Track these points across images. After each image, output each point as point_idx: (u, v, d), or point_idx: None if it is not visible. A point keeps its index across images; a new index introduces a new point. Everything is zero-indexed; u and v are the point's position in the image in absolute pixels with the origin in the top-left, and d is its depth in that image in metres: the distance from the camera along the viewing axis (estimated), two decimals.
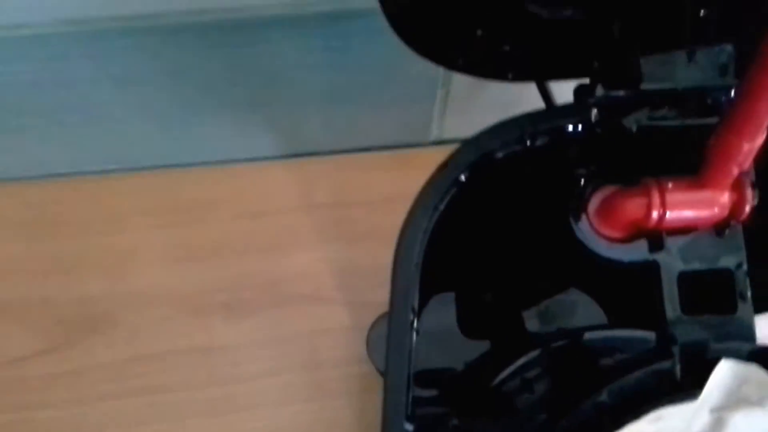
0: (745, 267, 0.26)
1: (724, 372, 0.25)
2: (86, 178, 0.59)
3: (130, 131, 0.54)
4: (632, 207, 0.25)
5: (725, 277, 0.26)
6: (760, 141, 0.23)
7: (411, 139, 0.53)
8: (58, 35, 0.42)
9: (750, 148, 0.23)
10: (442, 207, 0.26)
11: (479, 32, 0.23)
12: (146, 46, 0.43)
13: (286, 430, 0.51)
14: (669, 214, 0.25)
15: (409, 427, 0.25)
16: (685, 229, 0.26)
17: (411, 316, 0.24)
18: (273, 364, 0.54)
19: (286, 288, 0.56)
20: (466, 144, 0.25)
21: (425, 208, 0.25)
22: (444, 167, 0.26)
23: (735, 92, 0.23)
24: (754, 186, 0.25)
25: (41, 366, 0.52)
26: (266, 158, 0.59)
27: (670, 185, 0.25)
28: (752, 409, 0.26)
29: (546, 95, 0.28)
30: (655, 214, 0.25)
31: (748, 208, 0.25)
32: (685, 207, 0.25)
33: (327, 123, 0.55)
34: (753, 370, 0.25)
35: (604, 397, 0.24)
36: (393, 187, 0.54)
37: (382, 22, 0.25)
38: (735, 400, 0.26)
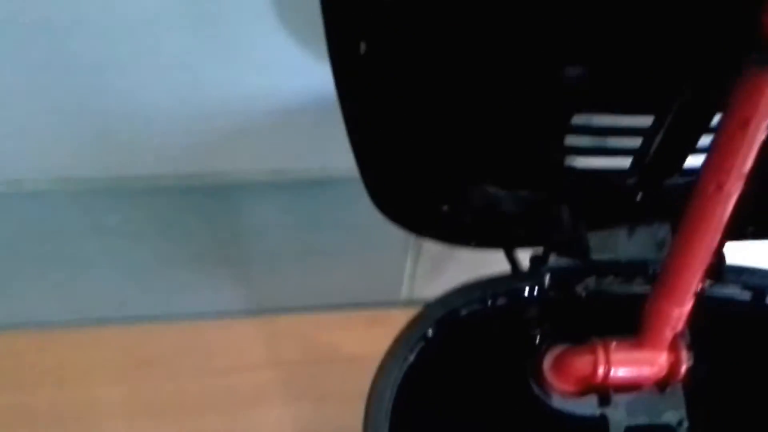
0: (686, 424, 0.29)
1: None
2: (55, 329, 0.60)
3: (108, 284, 0.56)
4: (581, 364, 0.28)
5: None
6: (688, 307, 0.27)
7: (382, 299, 0.56)
8: (52, 192, 0.45)
9: (680, 313, 0.27)
10: (411, 359, 0.28)
11: (445, 207, 0.27)
12: (133, 203, 0.47)
13: None
14: (613, 371, 0.28)
15: None
16: (630, 386, 0.29)
17: None
18: None
19: None
20: (434, 302, 0.29)
21: (396, 360, 0.28)
22: (413, 322, 0.28)
23: (663, 265, 0.27)
24: (689, 348, 0.28)
25: None
26: (237, 313, 0.61)
27: (614, 345, 0.28)
28: None
29: (512, 259, 0.31)
30: (600, 371, 0.28)
31: (684, 368, 0.28)
32: (628, 365, 0.28)
33: (299, 281, 0.58)
34: None
35: None
36: (362, 346, 0.56)
37: (356, 188, 0.29)
38: None
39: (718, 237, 0.25)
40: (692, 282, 0.26)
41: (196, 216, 0.49)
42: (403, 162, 0.26)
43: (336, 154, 0.41)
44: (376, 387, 0.27)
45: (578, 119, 0.26)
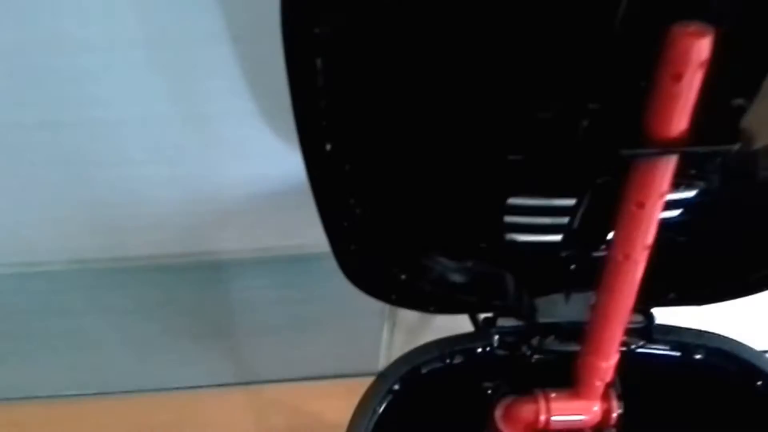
0: None
1: None
2: (59, 401, 0.64)
3: (110, 357, 0.60)
4: (525, 413, 0.33)
5: None
6: (613, 361, 0.31)
7: (361, 369, 0.60)
8: (63, 272, 0.49)
9: (606, 367, 0.31)
10: (379, 411, 0.33)
11: (403, 276, 0.32)
12: (134, 281, 0.51)
13: None
14: (553, 419, 0.32)
15: None
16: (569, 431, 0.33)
17: None
18: None
19: None
20: (398, 359, 0.33)
21: (365, 411, 0.32)
22: (380, 378, 0.33)
23: (589, 325, 0.31)
24: (620, 398, 0.33)
25: None
26: (229, 384, 0.65)
27: (553, 395, 0.32)
28: None
29: (474, 321, 0.36)
30: (542, 418, 0.32)
31: (615, 416, 0.33)
32: (565, 413, 0.32)
33: (285, 353, 0.62)
34: None
35: None
36: (343, 415, 0.61)
37: (334, 263, 0.33)
38: None
39: (631, 300, 0.29)
40: (614, 339, 0.30)
41: (190, 292, 0.53)
42: (365, 237, 0.31)
43: (315, 232, 0.46)
44: None
45: (514, 200, 0.31)
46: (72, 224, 0.43)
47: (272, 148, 0.38)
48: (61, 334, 0.56)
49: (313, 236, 0.46)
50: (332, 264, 0.39)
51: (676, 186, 0.27)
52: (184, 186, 0.42)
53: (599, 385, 0.32)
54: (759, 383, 0.35)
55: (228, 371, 0.64)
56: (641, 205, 0.27)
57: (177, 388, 0.64)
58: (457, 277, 0.33)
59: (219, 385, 0.65)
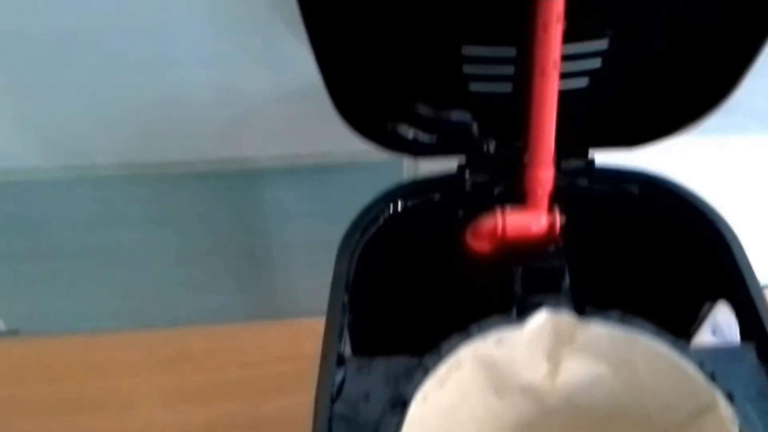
0: (566, 269, 0.40)
1: (555, 319, 0.37)
2: (103, 333, 0.72)
3: (148, 285, 0.67)
4: (487, 226, 0.40)
5: (554, 273, 0.40)
6: (550, 172, 0.39)
7: None
8: (110, 177, 0.56)
9: (546, 176, 0.39)
10: (367, 236, 0.40)
11: (389, 124, 0.39)
12: (174, 191, 0.58)
13: None
14: (509, 228, 0.40)
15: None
16: (523, 240, 0.40)
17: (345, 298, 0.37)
18: None
19: (274, 427, 0.66)
20: (386, 193, 0.41)
21: (351, 239, 0.40)
22: (368, 208, 0.41)
23: (528, 142, 0.39)
24: (561, 212, 0.40)
25: None
26: (262, 317, 0.72)
27: (508, 210, 0.40)
28: (583, 355, 0.38)
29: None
30: (500, 229, 0.40)
31: (558, 227, 0.40)
32: (518, 223, 0.40)
33: (314, 287, 0.69)
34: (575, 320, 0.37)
35: None
36: None
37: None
38: (567, 346, 0.38)
39: (554, 114, 0.37)
40: (547, 150, 0.38)
41: (225, 203, 0.61)
42: (357, 84, 0.39)
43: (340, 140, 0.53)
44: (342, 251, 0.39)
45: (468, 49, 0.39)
46: (118, 126, 0.52)
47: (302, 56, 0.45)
48: (100, 253, 0.63)
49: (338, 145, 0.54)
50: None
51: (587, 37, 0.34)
52: (219, 90, 0.50)
53: (542, 195, 0.39)
54: (686, 213, 0.42)
55: (262, 303, 0.70)
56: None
57: (211, 321, 0.72)
58: (433, 125, 0.41)
59: (253, 317, 0.72)
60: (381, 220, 0.42)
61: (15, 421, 0.66)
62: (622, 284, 0.43)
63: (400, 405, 0.36)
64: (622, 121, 0.42)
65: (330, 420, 0.35)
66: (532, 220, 0.40)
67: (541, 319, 0.38)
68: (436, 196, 0.43)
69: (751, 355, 0.38)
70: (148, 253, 0.64)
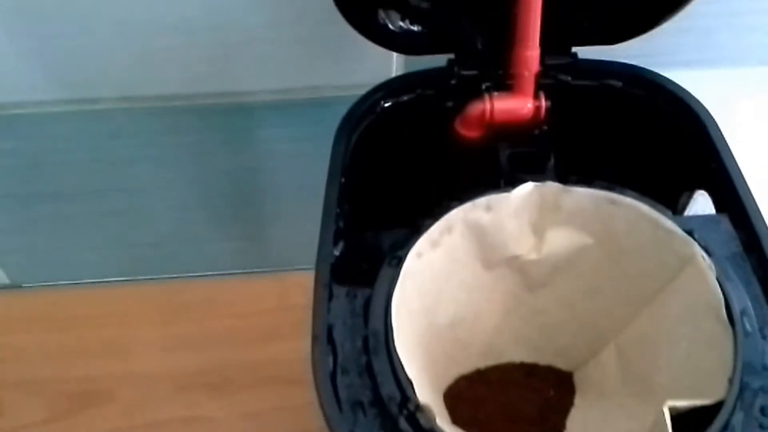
0: (551, 152, 0.42)
1: (542, 188, 0.39)
2: (104, 286, 0.73)
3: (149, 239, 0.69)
4: (475, 111, 0.42)
5: (539, 155, 0.42)
6: (536, 52, 0.41)
7: None
8: (110, 111, 0.58)
9: (531, 56, 0.41)
10: (354, 138, 0.42)
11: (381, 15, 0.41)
12: (171, 125, 0.60)
13: None
14: (496, 112, 0.42)
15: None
16: (510, 124, 0.42)
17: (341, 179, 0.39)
18: None
19: (263, 371, 0.68)
20: (381, 84, 0.43)
21: (351, 116, 0.42)
22: (365, 97, 0.43)
23: (514, 25, 0.41)
24: (547, 98, 0.42)
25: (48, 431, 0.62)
26: (254, 272, 0.74)
27: (495, 94, 0.42)
28: (568, 226, 0.40)
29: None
30: (488, 112, 0.42)
31: (543, 111, 0.42)
32: (505, 107, 0.42)
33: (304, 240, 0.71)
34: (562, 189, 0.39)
35: None
36: None
37: None
38: (552, 215, 0.40)
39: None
40: (533, 32, 0.40)
41: (220, 139, 0.62)
42: None
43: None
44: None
45: None
46: (118, 57, 0.53)
47: None
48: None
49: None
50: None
51: None
52: (214, 16, 0.52)
53: (528, 77, 0.42)
54: (668, 104, 0.44)
55: (254, 255, 0.72)
56: None
57: (205, 271, 0.74)
58: (423, 20, 0.43)
59: (245, 268, 0.74)
60: (376, 110, 0.44)
61: (16, 367, 0.67)
62: (605, 174, 0.45)
63: (396, 259, 0.37)
64: (603, 17, 0.44)
65: (330, 291, 0.36)
66: (518, 103, 0.42)
67: (528, 188, 0.40)
68: (428, 91, 0.45)
69: (725, 222, 0.40)
70: (145, 199, 0.66)
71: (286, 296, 0.72)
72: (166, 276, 0.74)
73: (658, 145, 0.46)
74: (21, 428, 0.64)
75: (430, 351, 0.40)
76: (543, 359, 0.46)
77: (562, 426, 0.43)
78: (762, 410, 0.35)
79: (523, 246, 0.41)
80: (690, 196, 0.45)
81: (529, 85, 0.42)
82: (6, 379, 0.67)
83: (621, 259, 0.40)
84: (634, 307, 0.41)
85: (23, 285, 0.73)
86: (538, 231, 0.41)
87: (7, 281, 0.72)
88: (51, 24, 0.51)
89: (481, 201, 0.39)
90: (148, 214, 0.68)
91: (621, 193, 0.40)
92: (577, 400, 0.44)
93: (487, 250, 0.41)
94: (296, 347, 0.70)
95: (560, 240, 0.41)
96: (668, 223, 0.38)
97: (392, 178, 0.46)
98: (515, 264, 0.42)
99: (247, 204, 0.69)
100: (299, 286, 0.69)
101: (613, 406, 0.41)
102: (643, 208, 0.39)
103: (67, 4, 0.50)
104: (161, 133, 0.60)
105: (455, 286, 0.41)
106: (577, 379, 0.45)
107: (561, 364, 0.46)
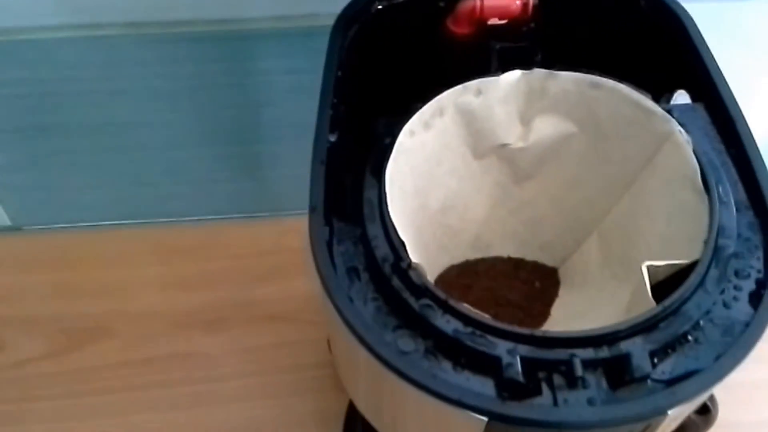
0: (538, 47, 0.44)
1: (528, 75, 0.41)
2: (103, 229, 0.75)
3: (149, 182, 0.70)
4: (467, 6, 0.44)
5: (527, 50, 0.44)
6: None
7: None
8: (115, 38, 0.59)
9: None
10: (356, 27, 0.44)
11: None
12: (171, 54, 0.61)
13: (257, 421, 0.61)
14: (486, 8, 0.44)
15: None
16: (499, 18, 0.44)
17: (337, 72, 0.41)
18: (245, 368, 0.65)
19: (259, 310, 0.69)
20: None
21: (345, 19, 0.44)
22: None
23: None
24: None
25: (44, 366, 0.64)
26: (252, 216, 0.76)
27: None
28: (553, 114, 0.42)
29: None
30: (478, 9, 0.44)
31: (531, 7, 0.44)
32: (494, 3, 0.44)
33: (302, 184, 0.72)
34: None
35: None
36: None
37: None
38: (538, 102, 0.42)
39: None
40: None
41: (218, 69, 0.64)
42: None
43: None
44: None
45: None
46: None
47: None
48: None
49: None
50: None
51: None
52: None
53: None
54: (651, 9, 0.46)
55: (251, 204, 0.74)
56: None
57: (201, 220, 0.75)
58: None
59: (242, 211, 0.75)
60: (370, 11, 0.46)
61: (16, 305, 0.68)
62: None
63: (390, 137, 0.39)
64: None
65: (326, 172, 0.38)
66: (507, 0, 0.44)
67: (516, 74, 0.42)
68: None
69: (701, 109, 0.42)
70: (144, 135, 0.68)
71: (284, 239, 0.74)
72: (165, 219, 0.76)
73: (640, 47, 0.47)
74: (21, 363, 0.65)
75: (422, 235, 0.42)
76: (529, 254, 0.47)
77: (547, 313, 0.45)
78: (736, 273, 0.37)
79: (511, 135, 0.43)
80: (670, 98, 0.47)
81: None
82: (6, 317, 0.68)
83: (604, 147, 0.42)
84: (615, 193, 0.43)
85: (23, 227, 0.75)
86: (525, 120, 0.43)
87: (8, 223, 0.74)
88: None
89: (472, 84, 0.41)
90: (146, 152, 0.69)
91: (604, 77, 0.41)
92: (562, 291, 0.46)
93: (477, 136, 0.42)
94: (292, 287, 0.72)
95: (546, 128, 0.43)
96: (648, 102, 0.40)
97: (386, 76, 0.47)
98: (504, 154, 0.43)
99: (245, 142, 0.70)
100: (297, 230, 0.71)
101: (594, 292, 0.43)
102: (625, 90, 0.41)
103: None
104: (163, 63, 0.62)
105: (447, 171, 0.42)
106: (562, 273, 0.47)
107: (546, 259, 0.48)
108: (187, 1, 0.57)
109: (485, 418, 0.32)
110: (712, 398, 0.51)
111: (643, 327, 0.33)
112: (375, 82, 0.46)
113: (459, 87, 0.40)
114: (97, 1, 0.57)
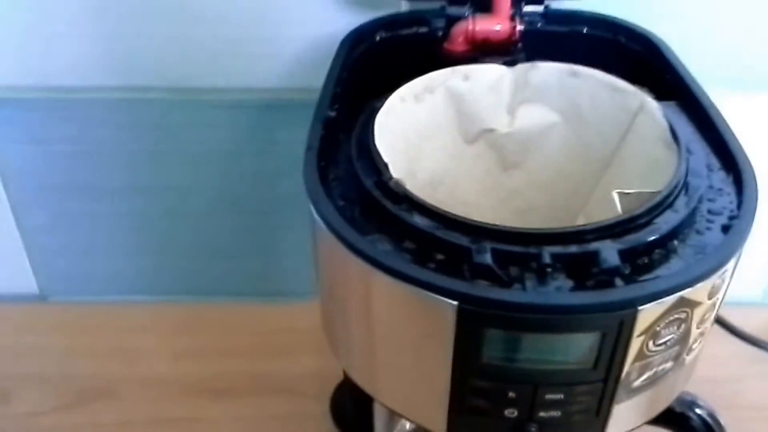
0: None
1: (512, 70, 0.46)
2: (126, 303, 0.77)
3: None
4: (459, 28, 0.50)
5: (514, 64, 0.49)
6: None
7: None
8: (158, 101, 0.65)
9: None
10: (366, 44, 0.50)
11: None
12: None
13: None
14: (477, 30, 0.50)
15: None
16: (489, 40, 0.49)
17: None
18: None
19: (267, 382, 0.71)
20: (375, 19, 0.51)
21: (353, 35, 0.50)
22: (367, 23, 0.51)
23: None
24: (522, 20, 0.50)
25: (52, 419, 0.67)
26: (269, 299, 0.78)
27: (477, 16, 0.50)
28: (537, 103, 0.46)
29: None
30: (470, 29, 0.50)
31: (518, 32, 0.50)
32: (485, 26, 0.50)
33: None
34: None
35: None
36: None
37: None
38: (522, 92, 0.46)
39: None
40: None
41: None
42: None
43: None
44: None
45: None
46: (165, 48, 0.61)
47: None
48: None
49: None
50: None
51: None
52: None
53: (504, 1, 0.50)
54: (621, 38, 0.52)
55: (266, 283, 0.78)
56: None
57: (218, 300, 0.78)
58: None
59: (260, 300, 0.78)
60: (375, 39, 0.52)
61: (35, 364, 0.72)
62: None
63: (383, 104, 0.43)
64: None
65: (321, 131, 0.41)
66: (496, 22, 0.50)
67: (501, 69, 0.46)
68: (421, 29, 0.53)
69: (674, 107, 0.46)
70: (174, 200, 0.72)
71: (295, 321, 0.75)
72: (186, 297, 0.79)
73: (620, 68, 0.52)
74: (31, 414, 0.67)
75: None
76: None
77: None
78: (710, 211, 0.38)
79: (497, 121, 0.46)
80: None
81: (506, 8, 0.50)
82: (21, 374, 0.70)
83: (585, 133, 0.45)
84: (596, 175, 0.45)
85: (49, 298, 0.78)
86: (511, 109, 0.47)
87: (36, 291, 0.77)
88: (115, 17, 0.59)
89: (460, 69, 0.45)
90: (174, 219, 0.72)
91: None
92: None
93: (466, 120, 0.46)
94: (299, 364, 0.73)
95: (530, 116, 0.46)
96: (621, 83, 0.44)
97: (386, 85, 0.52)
98: (491, 139, 0.47)
99: (267, 213, 0.73)
100: (308, 313, 0.72)
101: None
102: (599, 74, 0.44)
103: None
104: (198, 127, 0.68)
105: (437, 147, 0.46)
106: None
107: None
108: (222, 70, 0.64)
109: (455, 302, 0.33)
110: (719, 424, 0.49)
111: (612, 231, 0.35)
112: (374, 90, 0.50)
113: (448, 69, 0.45)
114: (140, 65, 0.63)
